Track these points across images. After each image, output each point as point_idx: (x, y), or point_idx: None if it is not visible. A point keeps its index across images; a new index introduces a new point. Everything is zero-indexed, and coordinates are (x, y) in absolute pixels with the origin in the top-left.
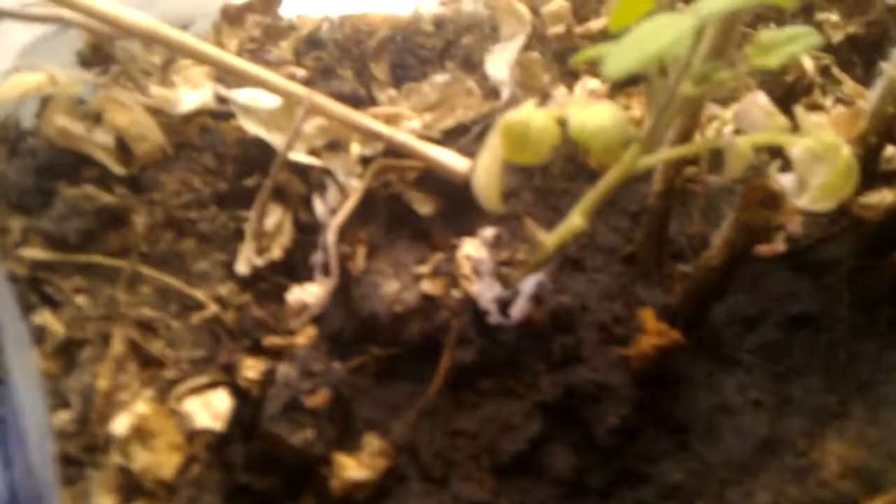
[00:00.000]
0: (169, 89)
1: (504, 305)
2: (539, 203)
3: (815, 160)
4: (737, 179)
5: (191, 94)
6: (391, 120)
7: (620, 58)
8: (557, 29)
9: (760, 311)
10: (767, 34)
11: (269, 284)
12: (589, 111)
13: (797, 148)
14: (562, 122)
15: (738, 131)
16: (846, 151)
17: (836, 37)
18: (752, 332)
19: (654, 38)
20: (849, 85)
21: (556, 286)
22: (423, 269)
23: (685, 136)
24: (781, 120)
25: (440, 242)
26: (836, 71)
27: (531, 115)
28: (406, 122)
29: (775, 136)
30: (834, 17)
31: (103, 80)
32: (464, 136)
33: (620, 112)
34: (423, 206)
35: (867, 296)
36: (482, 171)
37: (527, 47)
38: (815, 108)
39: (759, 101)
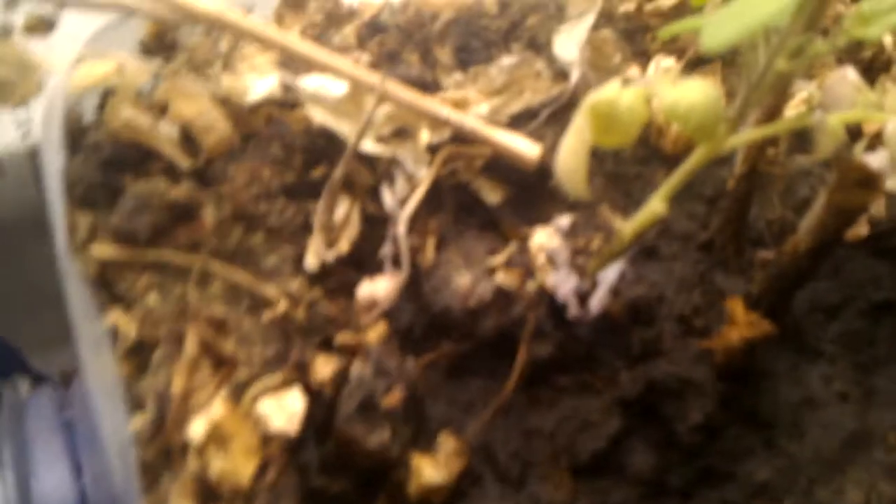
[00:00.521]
0: (236, 78)
1: (583, 298)
2: (611, 189)
3: None
4: (820, 161)
5: (259, 82)
6: (459, 105)
7: (719, 29)
8: (627, 6)
9: (842, 298)
10: (869, 4)
11: (339, 279)
12: (681, 89)
13: (891, 124)
14: (647, 102)
15: (825, 108)
16: None
17: None
18: (835, 320)
19: (755, 8)
20: None
21: (633, 276)
22: (496, 260)
23: (772, 115)
24: (871, 96)
25: (510, 232)
26: None
27: (618, 93)
28: (474, 107)
29: (868, 113)
30: None
31: (168, 70)
32: (533, 121)
33: (713, 88)
34: (492, 195)
35: None
36: (567, 154)
37: (596, 26)
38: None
39: (849, 76)
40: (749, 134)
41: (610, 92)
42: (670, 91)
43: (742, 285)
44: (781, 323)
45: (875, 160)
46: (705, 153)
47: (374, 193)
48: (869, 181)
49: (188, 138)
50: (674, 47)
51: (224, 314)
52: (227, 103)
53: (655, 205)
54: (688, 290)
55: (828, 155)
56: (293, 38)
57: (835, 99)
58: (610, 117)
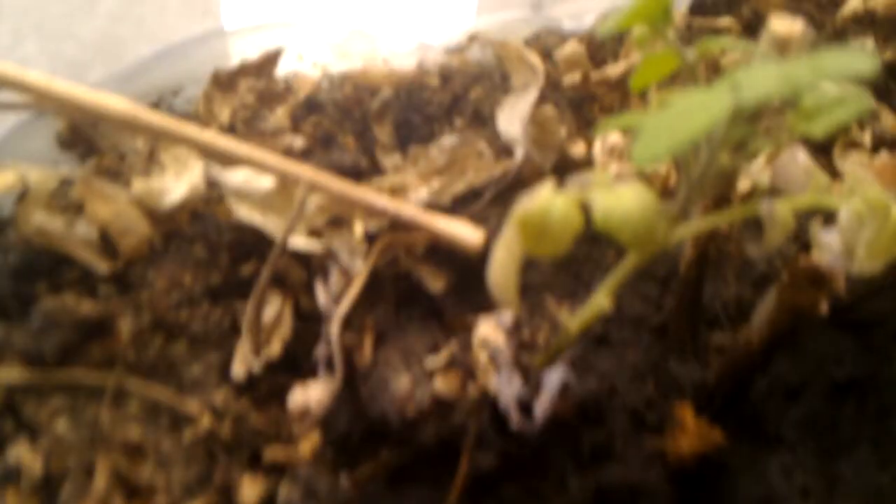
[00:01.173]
0: (154, 179)
1: (526, 404)
2: (559, 272)
3: (861, 221)
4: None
5: (177, 183)
6: (397, 191)
7: (651, 144)
8: (573, 77)
9: (803, 379)
10: (812, 98)
11: (269, 384)
12: (614, 196)
13: (843, 211)
14: (584, 206)
15: (775, 191)
16: (895, 212)
17: None
18: (796, 403)
19: (689, 120)
20: (887, 118)
21: (582, 367)
22: (437, 361)
23: (719, 203)
24: (823, 178)
25: (454, 322)
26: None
27: (550, 202)
28: (413, 192)
29: (818, 198)
30: (869, 43)
31: (82, 172)
32: (477, 201)
33: (649, 195)
34: (435, 283)
35: None
36: (497, 268)
37: (541, 97)
38: (854, 145)
39: (798, 158)
40: (693, 226)
41: (541, 200)
42: (603, 199)
43: (698, 372)
44: (739, 411)
45: (831, 237)
46: (647, 252)
47: (309, 288)
48: (819, 280)
49: (106, 241)
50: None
51: (140, 437)
52: (146, 203)
53: (600, 300)
54: (640, 380)
55: (778, 244)
56: (210, 135)
57: (785, 180)
58: (541, 228)
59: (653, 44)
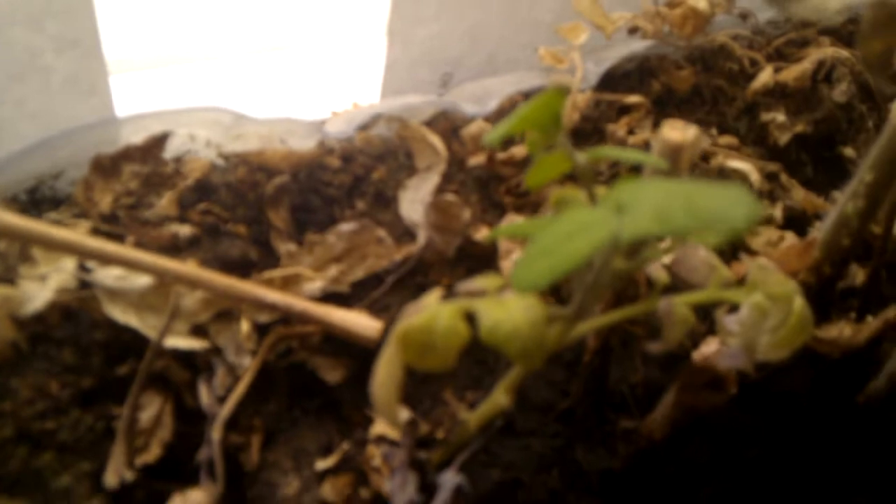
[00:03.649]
0: (13, 287)
1: None
2: (463, 359)
3: (764, 315)
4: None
5: (40, 288)
6: (289, 282)
7: (533, 269)
8: (478, 158)
9: (712, 457)
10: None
11: (147, 492)
12: (501, 308)
13: (745, 307)
14: (471, 317)
15: (677, 282)
16: (798, 302)
17: (784, 138)
18: (706, 484)
19: (571, 243)
20: (798, 192)
21: (485, 458)
22: (328, 462)
23: (619, 297)
24: (725, 272)
25: (352, 414)
26: (784, 178)
27: (435, 315)
28: (307, 284)
29: (719, 293)
30: (780, 117)
31: None
32: (377, 288)
33: (538, 307)
34: (331, 373)
35: (829, 436)
36: (379, 384)
37: (445, 178)
38: (764, 220)
39: (700, 252)
40: (589, 325)
41: (425, 316)
42: (490, 311)
43: (605, 459)
44: (648, 494)
45: (735, 325)
46: (531, 366)
47: (193, 387)
48: (717, 383)
49: None
50: (527, 201)
51: None
52: (7, 309)
53: (499, 397)
54: (545, 470)
55: (678, 341)
56: (77, 236)
57: (687, 271)
58: (426, 343)
59: (545, 147)
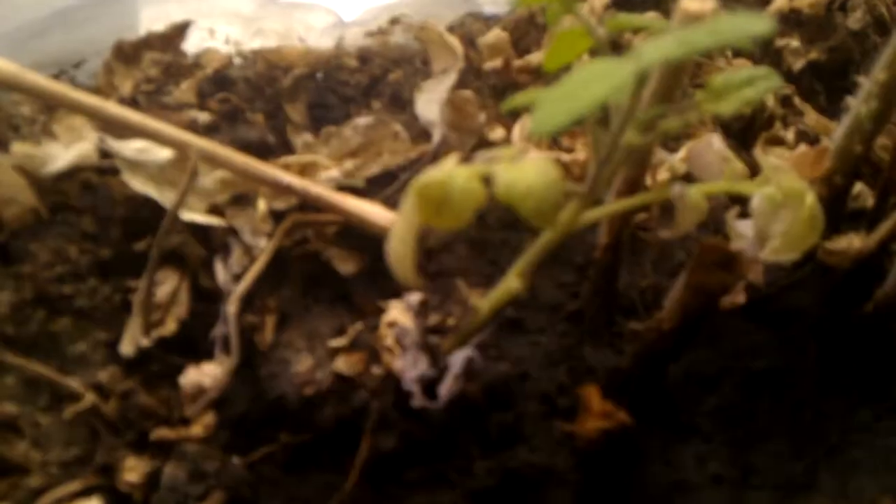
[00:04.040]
0: (35, 145)
1: (430, 384)
2: (475, 257)
3: (776, 209)
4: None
5: (63, 151)
6: (306, 170)
7: (550, 111)
8: (495, 62)
9: (719, 369)
10: (721, 78)
11: (161, 365)
12: (517, 169)
13: (756, 197)
14: (488, 180)
15: (690, 177)
16: (810, 199)
17: (797, 64)
18: (711, 393)
19: (589, 87)
20: (811, 116)
21: (494, 352)
22: (341, 341)
23: (632, 186)
24: (738, 165)
25: (364, 306)
26: (797, 101)
27: (451, 174)
28: (324, 172)
29: (731, 184)
30: (794, 43)
31: None
32: (391, 185)
33: (553, 169)
34: (345, 265)
35: (834, 349)
36: (396, 240)
37: (461, 83)
38: (777, 141)
39: (714, 144)
40: (606, 209)
41: (443, 172)
42: (506, 172)
43: (612, 358)
44: (653, 398)
45: (747, 227)
46: (556, 232)
47: (209, 267)
48: (729, 262)
49: None
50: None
51: (16, 412)
52: (29, 169)
53: (511, 282)
54: (553, 366)
55: (689, 229)
56: (101, 101)
57: (702, 167)
58: (442, 199)
59: (566, 21)
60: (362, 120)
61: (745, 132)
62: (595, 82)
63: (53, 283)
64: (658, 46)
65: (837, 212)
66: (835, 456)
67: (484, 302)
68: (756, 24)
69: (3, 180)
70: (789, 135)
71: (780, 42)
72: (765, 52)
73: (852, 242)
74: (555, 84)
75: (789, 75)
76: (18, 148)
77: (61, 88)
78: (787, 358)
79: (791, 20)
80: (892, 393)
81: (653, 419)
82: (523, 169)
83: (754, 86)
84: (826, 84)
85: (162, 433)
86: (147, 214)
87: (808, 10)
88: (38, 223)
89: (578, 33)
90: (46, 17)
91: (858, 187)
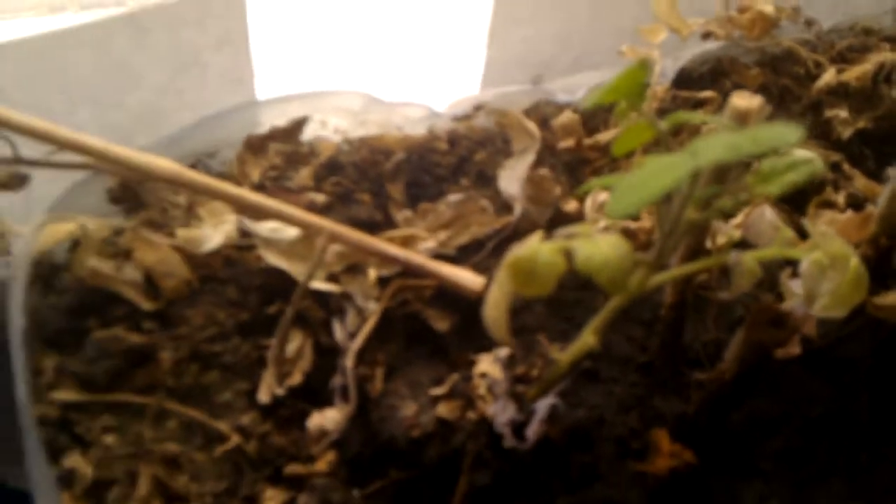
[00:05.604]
0: (193, 229)
1: (518, 427)
2: (552, 315)
3: (823, 271)
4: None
5: (213, 232)
6: (407, 242)
7: (623, 200)
8: (568, 142)
9: (779, 415)
10: (768, 163)
11: (291, 410)
12: (594, 244)
13: (805, 261)
14: (568, 253)
15: (745, 243)
16: (854, 262)
17: (846, 132)
18: (772, 437)
19: (656, 179)
20: (860, 180)
21: (573, 399)
22: (440, 390)
23: (694, 252)
24: (788, 233)
25: (458, 358)
26: (846, 167)
27: (537, 249)
28: (422, 243)
29: (782, 250)
30: (843, 113)
31: (131, 223)
32: (479, 252)
33: (624, 243)
34: (440, 323)
35: (886, 396)
36: (491, 305)
37: (538, 161)
38: (827, 205)
39: (766, 214)
40: (670, 274)
41: (529, 247)
42: (584, 247)
43: (679, 405)
44: (718, 441)
45: (798, 286)
46: (626, 296)
47: (328, 326)
48: (780, 320)
49: (150, 283)
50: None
51: (178, 451)
52: (186, 250)
53: (587, 338)
54: (626, 412)
55: (745, 290)
56: (242, 191)
57: (756, 234)
58: (530, 272)
59: (632, 115)
60: (453, 196)
61: (799, 197)
62: (661, 175)
63: (205, 342)
64: (710, 148)
65: (884, 270)
66: (892, 495)
67: (564, 355)
68: (791, 135)
69: (164, 258)
70: (840, 198)
71: (830, 113)
72: (815, 123)
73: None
74: (625, 169)
75: (838, 143)
76: (182, 233)
77: (212, 182)
78: (841, 405)
79: (839, 92)
80: None
81: (717, 461)
82: (599, 244)
83: (797, 170)
84: (874, 150)
85: (293, 469)
86: (277, 283)
87: (855, 83)
88: (191, 293)
89: (643, 126)
90: (189, 126)
91: None
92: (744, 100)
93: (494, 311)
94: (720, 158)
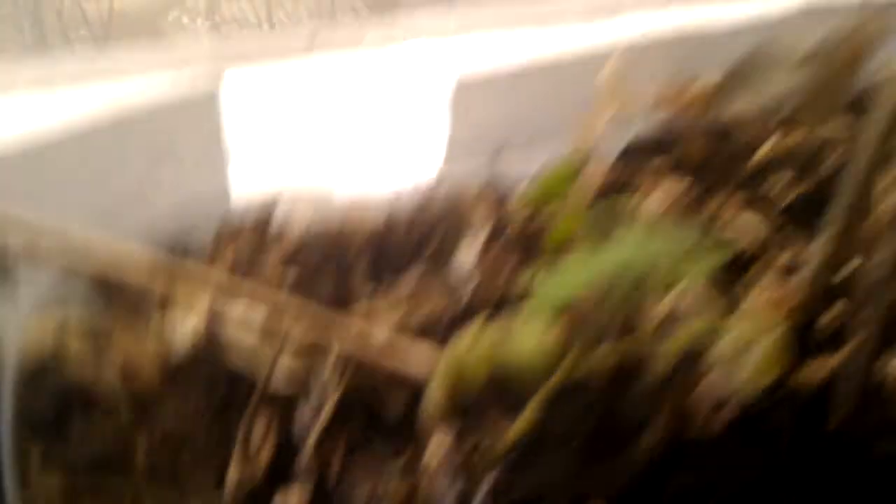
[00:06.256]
0: (168, 315)
1: (466, 500)
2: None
3: (748, 343)
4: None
5: (188, 318)
6: (367, 319)
7: (546, 299)
8: (521, 218)
9: (704, 487)
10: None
11: (259, 490)
12: (520, 339)
13: (730, 334)
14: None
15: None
16: (777, 332)
17: (789, 197)
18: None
19: (573, 279)
20: (797, 247)
21: (517, 474)
22: (395, 466)
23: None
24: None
25: (413, 434)
26: (785, 233)
27: (465, 352)
28: (380, 321)
29: (708, 325)
30: (786, 177)
31: (110, 313)
32: (435, 328)
33: (552, 334)
34: (394, 402)
35: (809, 465)
36: (429, 399)
37: (491, 239)
38: (760, 273)
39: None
40: (600, 356)
41: (458, 350)
42: (510, 344)
43: (618, 479)
44: None
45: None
46: (558, 380)
47: (293, 406)
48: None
49: (128, 370)
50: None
51: None
52: (161, 338)
53: (528, 414)
54: (567, 485)
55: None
56: (216, 273)
57: (687, 307)
58: (459, 372)
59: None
60: (411, 275)
61: (733, 265)
62: (577, 275)
63: (178, 426)
64: (619, 253)
65: (807, 340)
66: None
67: (509, 431)
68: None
69: (141, 348)
70: (777, 265)
71: (773, 178)
72: (757, 188)
73: (822, 366)
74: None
75: (783, 208)
76: (158, 320)
77: (189, 270)
78: (766, 474)
79: (784, 157)
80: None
81: None
82: (524, 338)
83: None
84: (816, 212)
85: None
86: (249, 362)
87: (801, 146)
88: (168, 377)
89: (573, 218)
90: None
91: (833, 314)
92: (656, 202)
93: (430, 406)
94: (629, 263)
